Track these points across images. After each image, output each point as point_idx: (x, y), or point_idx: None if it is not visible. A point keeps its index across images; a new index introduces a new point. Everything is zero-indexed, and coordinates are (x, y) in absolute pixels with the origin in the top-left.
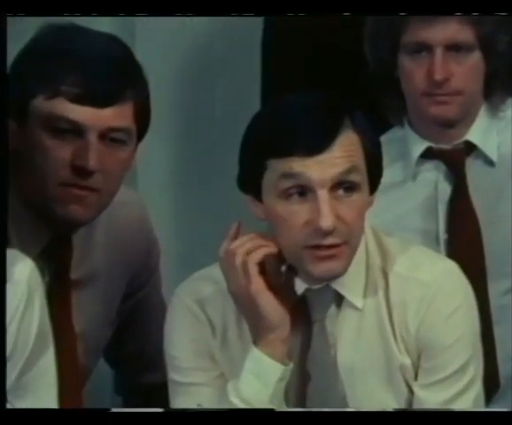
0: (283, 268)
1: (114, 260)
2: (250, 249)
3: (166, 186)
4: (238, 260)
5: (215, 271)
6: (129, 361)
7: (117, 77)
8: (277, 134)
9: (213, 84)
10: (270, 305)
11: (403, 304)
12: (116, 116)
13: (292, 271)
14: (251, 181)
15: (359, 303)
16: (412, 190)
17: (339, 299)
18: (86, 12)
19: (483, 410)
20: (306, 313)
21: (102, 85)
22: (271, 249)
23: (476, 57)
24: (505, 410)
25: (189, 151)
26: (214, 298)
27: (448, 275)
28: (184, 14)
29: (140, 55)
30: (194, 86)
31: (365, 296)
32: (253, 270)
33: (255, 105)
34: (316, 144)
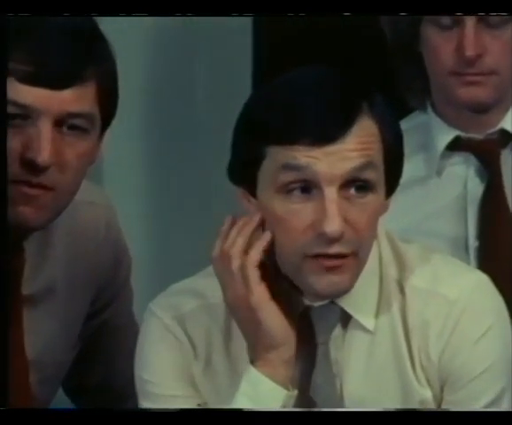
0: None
1: (76, 272)
2: (244, 245)
3: (136, 184)
4: (235, 265)
5: (198, 282)
6: (94, 394)
7: (77, 52)
8: (281, 116)
9: (193, 62)
10: (274, 318)
11: (423, 324)
12: (75, 99)
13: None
14: (245, 171)
15: (369, 324)
16: (436, 188)
17: (346, 319)
18: (86, 12)
19: (483, 410)
20: (308, 335)
21: (58, 61)
22: (266, 238)
23: None
24: (505, 410)
25: (164, 143)
26: (197, 315)
27: (478, 290)
28: (184, 14)
29: (107, 28)
30: (171, 65)
31: (377, 315)
32: (254, 276)
33: (245, 87)
34: (327, 132)
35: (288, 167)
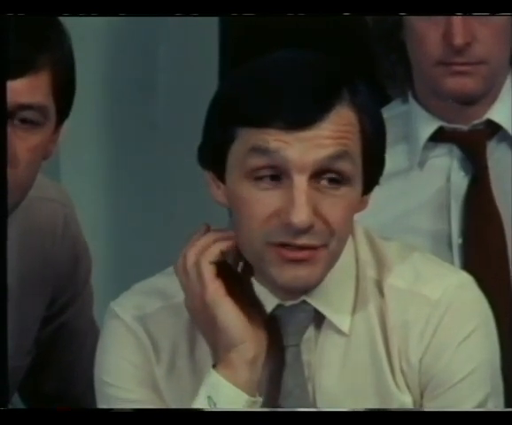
0: (240, 266)
1: (31, 272)
2: (204, 245)
3: (96, 180)
4: (190, 262)
5: (161, 281)
6: (52, 401)
7: (28, 37)
8: (253, 96)
9: (156, 56)
10: (230, 314)
11: (403, 326)
12: (27, 89)
13: (250, 271)
14: (214, 154)
15: (344, 325)
16: (418, 182)
17: (319, 320)
18: (87, 12)
19: (483, 410)
20: (276, 337)
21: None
22: (230, 242)
23: (504, 17)
24: (505, 410)
25: (124, 139)
26: (161, 316)
27: (461, 291)
28: (187, 14)
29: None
30: (132, 59)
31: (353, 316)
32: (208, 271)
33: (211, 73)
34: (302, 116)
35: (257, 150)
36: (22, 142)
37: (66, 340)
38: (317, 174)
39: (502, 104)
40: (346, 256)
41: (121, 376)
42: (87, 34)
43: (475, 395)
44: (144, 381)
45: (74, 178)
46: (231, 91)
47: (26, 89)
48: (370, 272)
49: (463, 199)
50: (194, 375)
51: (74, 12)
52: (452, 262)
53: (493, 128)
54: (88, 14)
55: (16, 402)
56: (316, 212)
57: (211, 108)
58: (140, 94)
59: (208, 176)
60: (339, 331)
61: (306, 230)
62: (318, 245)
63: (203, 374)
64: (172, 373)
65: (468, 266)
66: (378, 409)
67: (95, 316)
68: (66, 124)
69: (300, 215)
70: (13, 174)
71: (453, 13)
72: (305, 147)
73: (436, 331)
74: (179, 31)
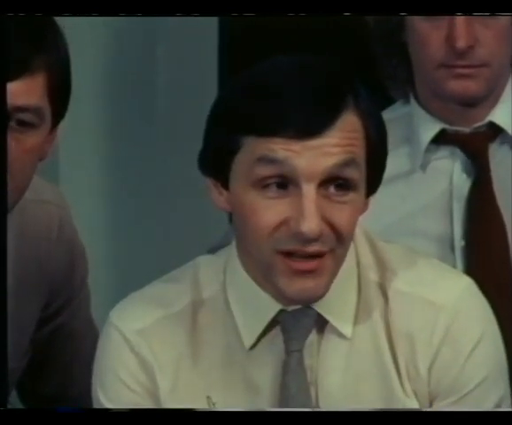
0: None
1: (26, 274)
2: None
3: (95, 182)
4: None
5: (159, 289)
6: (50, 402)
7: (23, 38)
8: (259, 105)
9: (154, 58)
10: None
11: (409, 332)
12: (23, 92)
13: None
14: (218, 162)
15: (346, 329)
16: (420, 184)
17: (322, 324)
18: (87, 12)
19: (483, 410)
20: (280, 343)
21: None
22: None
23: (506, 18)
24: (505, 410)
25: (122, 141)
26: (162, 327)
27: (466, 295)
28: (187, 14)
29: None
30: (131, 60)
31: (356, 320)
32: None
33: (211, 74)
34: (310, 125)
35: (264, 160)
36: (18, 144)
37: (63, 341)
38: (325, 182)
39: (504, 107)
40: (347, 259)
41: (120, 394)
42: (86, 35)
43: (490, 399)
44: (146, 399)
45: (73, 180)
46: (234, 100)
47: (22, 91)
48: (372, 275)
49: (466, 202)
50: (199, 383)
51: (74, 12)
52: (454, 265)
53: (495, 131)
54: (88, 14)
55: (14, 402)
56: (325, 219)
57: (212, 116)
58: (140, 94)
59: (210, 182)
60: (341, 335)
61: (316, 239)
62: (326, 251)
63: (207, 381)
64: (177, 389)
65: (470, 268)
66: (381, 409)
67: (93, 317)
68: (62, 125)
69: (310, 225)
70: (10, 175)
71: (453, 13)
72: (313, 155)
73: (444, 339)
74: (179, 31)
